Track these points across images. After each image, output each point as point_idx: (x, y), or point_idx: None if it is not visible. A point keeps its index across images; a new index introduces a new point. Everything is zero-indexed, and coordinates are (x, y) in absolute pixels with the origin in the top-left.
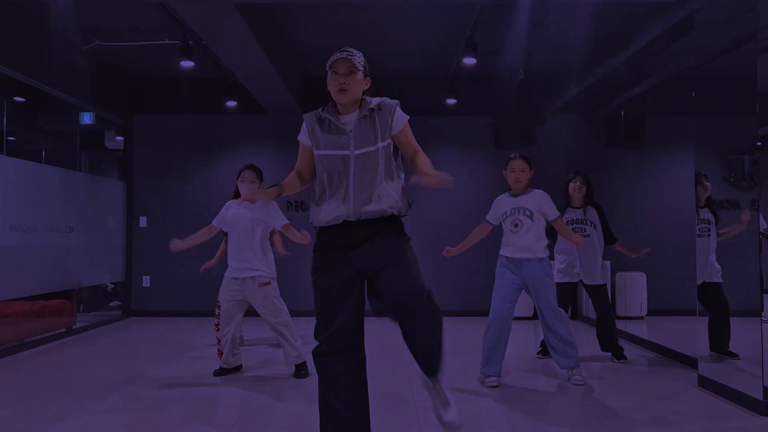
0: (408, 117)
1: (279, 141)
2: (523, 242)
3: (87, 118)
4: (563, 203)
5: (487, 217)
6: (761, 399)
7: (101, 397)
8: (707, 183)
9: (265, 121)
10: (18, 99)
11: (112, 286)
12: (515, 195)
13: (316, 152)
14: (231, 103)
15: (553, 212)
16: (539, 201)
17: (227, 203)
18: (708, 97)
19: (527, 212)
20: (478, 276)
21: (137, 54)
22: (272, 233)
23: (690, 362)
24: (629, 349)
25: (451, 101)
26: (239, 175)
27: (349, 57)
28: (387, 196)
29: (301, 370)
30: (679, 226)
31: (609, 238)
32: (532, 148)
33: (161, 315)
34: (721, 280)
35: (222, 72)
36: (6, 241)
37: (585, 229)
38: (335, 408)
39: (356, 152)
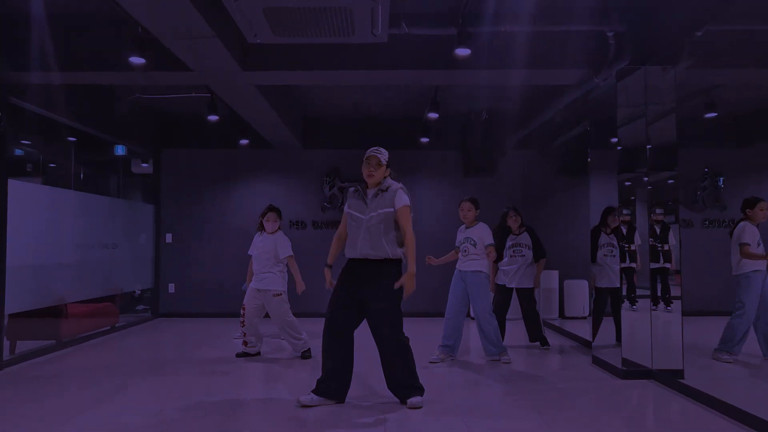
0: (407, 202)
1: (283, 171)
2: (470, 261)
3: (120, 150)
4: (502, 232)
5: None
6: (620, 366)
7: (157, 370)
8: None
9: (272, 154)
10: (71, 139)
11: (139, 292)
12: (467, 227)
13: (347, 210)
14: (244, 141)
15: (489, 240)
16: (480, 232)
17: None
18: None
19: (472, 241)
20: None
21: (168, 101)
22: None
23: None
24: (563, 341)
25: (424, 140)
26: (264, 215)
27: (377, 155)
28: (382, 248)
29: (306, 354)
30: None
31: (538, 255)
32: (494, 177)
33: (184, 316)
34: (618, 286)
35: (237, 118)
36: (71, 257)
37: (522, 251)
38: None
39: (367, 216)
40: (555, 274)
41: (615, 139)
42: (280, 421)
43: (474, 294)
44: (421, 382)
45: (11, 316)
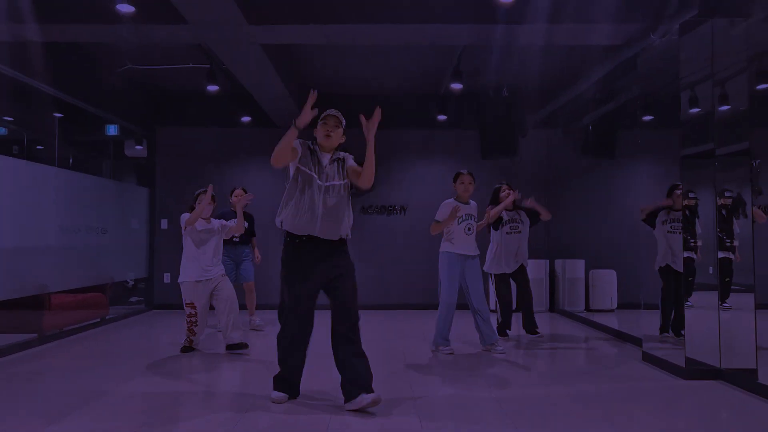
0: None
1: None
2: (472, 243)
3: (113, 130)
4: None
5: (437, 216)
6: (683, 365)
7: (149, 367)
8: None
9: (276, 133)
10: (57, 115)
11: (132, 282)
12: (463, 202)
13: (299, 165)
14: (246, 119)
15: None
16: (475, 209)
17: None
18: (661, 117)
19: (474, 218)
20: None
21: (163, 74)
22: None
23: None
24: (597, 334)
25: (441, 117)
26: (196, 198)
27: (336, 115)
28: (343, 227)
29: (242, 345)
30: (644, 227)
31: (535, 220)
32: (514, 159)
33: (180, 308)
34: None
35: (239, 91)
36: (55, 240)
37: (518, 226)
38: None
39: (326, 183)
40: (581, 263)
41: (647, 118)
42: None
43: (475, 277)
44: (472, 387)
45: None
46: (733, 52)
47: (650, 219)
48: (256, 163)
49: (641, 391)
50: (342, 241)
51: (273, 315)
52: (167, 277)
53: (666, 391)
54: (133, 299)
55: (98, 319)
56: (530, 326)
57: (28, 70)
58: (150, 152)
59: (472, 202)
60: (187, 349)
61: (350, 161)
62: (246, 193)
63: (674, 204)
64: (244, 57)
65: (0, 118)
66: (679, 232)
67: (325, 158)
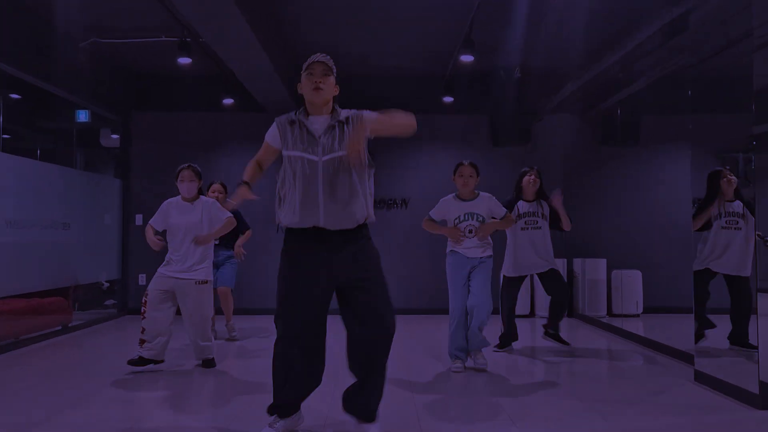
0: (371, 113)
1: None
2: (478, 243)
3: (83, 116)
4: (514, 197)
5: (431, 213)
6: (757, 393)
7: (113, 385)
8: (732, 177)
9: (263, 119)
10: (14, 96)
11: (108, 284)
12: (463, 199)
13: (285, 152)
14: (228, 101)
15: (500, 211)
16: (488, 204)
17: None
18: (703, 96)
19: (480, 218)
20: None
21: (135, 51)
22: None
23: (686, 357)
24: (624, 345)
25: (447, 99)
26: (177, 176)
27: (324, 61)
28: (359, 208)
29: (211, 363)
30: (674, 224)
31: (554, 225)
32: (527, 146)
33: None
34: (749, 274)
35: (220, 69)
36: (5, 238)
37: (537, 221)
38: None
39: (325, 158)
40: (602, 263)
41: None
42: None
43: (482, 281)
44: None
45: None
46: None
47: (707, 225)
48: (241, 150)
49: (704, 426)
50: (360, 229)
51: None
52: (142, 279)
53: (739, 427)
54: (108, 302)
55: (59, 327)
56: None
57: None
58: (123, 140)
59: (483, 195)
60: (135, 362)
61: (365, 115)
62: (225, 188)
63: (725, 194)
64: (225, 29)
65: None
66: (735, 228)
67: (318, 124)
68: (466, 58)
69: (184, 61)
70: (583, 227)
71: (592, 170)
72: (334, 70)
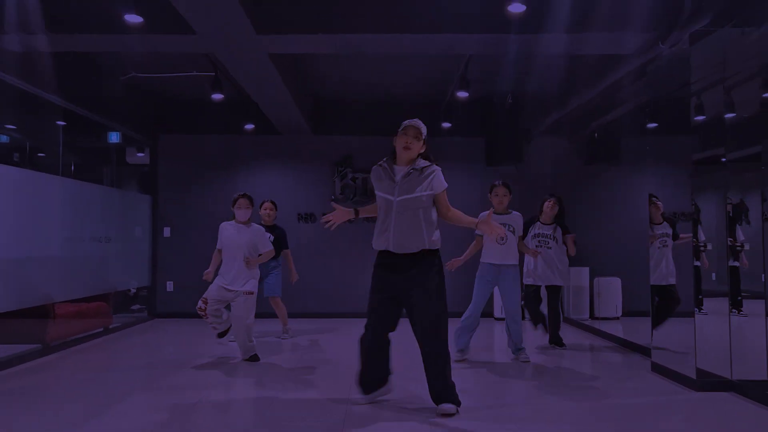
0: (446, 185)
1: (291, 159)
2: (506, 252)
3: (115, 137)
4: (532, 218)
5: (476, 232)
6: (695, 378)
7: (155, 377)
8: (659, 202)
9: (279, 140)
10: (60, 123)
11: (134, 291)
12: (498, 213)
13: (376, 191)
14: (249, 126)
15: (521, 231)
16: (518, 221)
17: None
18: (671, 123)
19: (512, 228)
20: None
21: (166, 81)
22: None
23: (647, 352)
24: (603, 343)
25: (446, 125)
26: (235, 203)
27: (417, 126)
28: (419, 238)
29: (254, 358)
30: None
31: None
32: (519, 166)
33: (183, 317)
34: (674, 282)
35: (243, 98)
36: (59, 251)
37: (548, 242)
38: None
39: (398, 198)
40: (586, 271)
41: (652, 125)
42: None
43: (510, 288)
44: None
45: None
46: (744, 60)
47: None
48: (259, 169)
49: (655, 406)
50: (424, 254)
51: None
52: (170, 286)
53: (679, 405)
54: (135, 307)
55: (101, 329)
56: (555, 339)
57: (32, 79)
58: (153, 159)
59: (515, 214)
60: (221, 334)
61: (438, 175)
62: (275, 205)
63: (654, 218)
64: (250, 66)
65: (2, 126)
66: (665, 246)
67: (401, 172)
68: (462, 94)
69: (217, 97)
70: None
71: (577, 187)
72: (424, 133)
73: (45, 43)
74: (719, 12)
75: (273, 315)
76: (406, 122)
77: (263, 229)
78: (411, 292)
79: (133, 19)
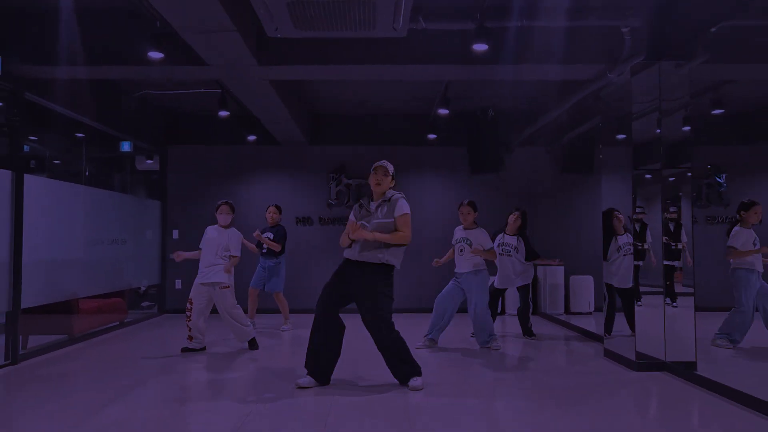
0: (407, 210)
1: (290, 167)
2: (462, 262)
3: (126, 146)
4: (498, 230)
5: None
6: (634, 359)
7: (170, 366)
8: (620, 215)
9: (279, 150)
10: (78, 135)
11: (144, 288)
12: (466, 228)
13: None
14: (251, 137)
15: (488, 244)
16: (478, 236)
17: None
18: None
19: (468, 242)
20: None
21: (176, 98)
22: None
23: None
24: (574, 334)
25: (431, 136)
26: (218, 209)
27: (385, 166)
28: (377, 254)
29: (253, 344)
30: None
31: (531, 256)
32: (500, 174)
33: None
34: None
35: (245, 114)
36: (83, 252)
37: (510, 252)
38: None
39: (373, 222)
40: (561, 270)
41: (622, 136)
42: (306, 418)
43: (472, 291)
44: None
45: (22, 311)
46: (677, 89)
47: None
48: (261, 177)
49: (594, 382)
50: (378, 265)
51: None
52: (179, 283)
53: (615, 383)
54: (145, 304)
55: (118, 323)
56: (526, 331)
57: (62, 103)
58: (162, 167)
59: (478, 230)
60: (186, 349)
61: (399, 205)
62: (279, 209)
63: (616, 230)
64: (253, 90)
65: (35, 140)
66: (630, 254)
67: (374, 205)
68: (443, 112)
69: (224, 114)
70: (546, 240)
71: (554, 194)
72: (391, 171)
73: (75, 72)
74: (656, 47)
75: (276, 310)
76: (376, 163)
77: (240, 235)
78: (362, 293)
79: (155, 55)
